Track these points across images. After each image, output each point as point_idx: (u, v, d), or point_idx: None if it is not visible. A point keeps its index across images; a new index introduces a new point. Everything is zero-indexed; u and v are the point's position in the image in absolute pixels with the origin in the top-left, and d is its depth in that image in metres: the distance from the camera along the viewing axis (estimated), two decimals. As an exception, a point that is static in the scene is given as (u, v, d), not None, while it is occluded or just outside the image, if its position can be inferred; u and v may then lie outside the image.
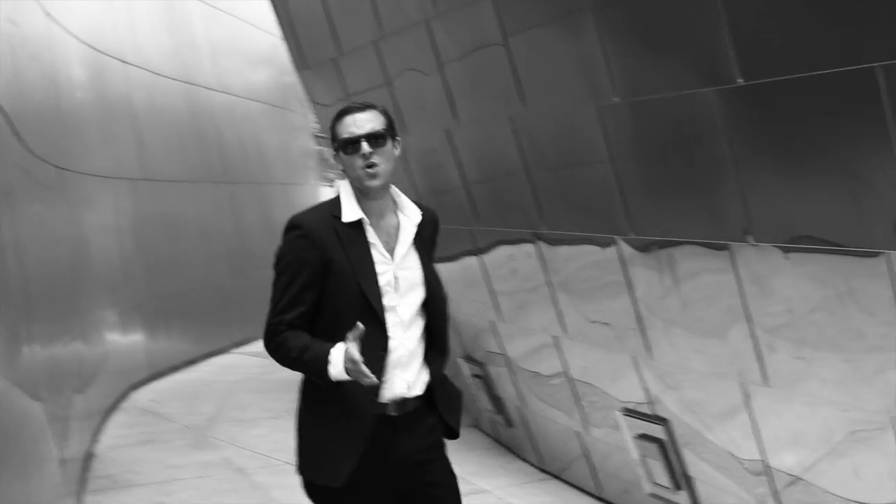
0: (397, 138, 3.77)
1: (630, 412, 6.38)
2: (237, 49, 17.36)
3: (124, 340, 11.74)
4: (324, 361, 3.56)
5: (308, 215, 3.74)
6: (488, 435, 9.12)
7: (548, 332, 7.07)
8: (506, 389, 8.18)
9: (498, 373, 8.21)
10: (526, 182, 6.73)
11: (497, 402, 8.48)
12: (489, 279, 7.73)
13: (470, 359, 8.73)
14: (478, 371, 8.61)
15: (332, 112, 3.81)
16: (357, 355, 3.45)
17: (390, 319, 3.72)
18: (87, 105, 11.36)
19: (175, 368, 13.07)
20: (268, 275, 3.79)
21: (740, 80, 4.64)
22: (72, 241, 9.54)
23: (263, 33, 17.29)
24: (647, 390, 6.15)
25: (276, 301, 3.69)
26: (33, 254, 7.20)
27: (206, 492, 7.63)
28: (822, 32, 4.25)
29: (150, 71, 13.87)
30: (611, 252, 6.03)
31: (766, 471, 5.31)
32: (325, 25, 8.92)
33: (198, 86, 15.62)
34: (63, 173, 9.47)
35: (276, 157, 18.61)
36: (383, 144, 3.69)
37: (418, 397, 3.78)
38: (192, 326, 13.75)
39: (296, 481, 3.79)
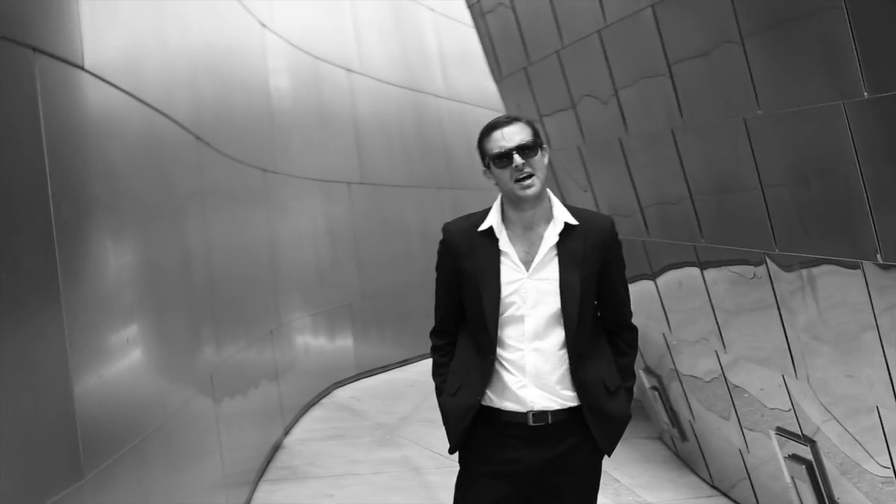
0: (545, 147, 3.88)
1: (781, 431, 6.25)
2: (469, 57, 17.63)
3: (331, 340, 12.13)
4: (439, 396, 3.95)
5: (455, 223, 3.98)
6: (668, 448, 9.04)
7: (710, 347, 6.98)
8: (679, 404, 8.10)
9: (673, 387, 8.13)
10: (688, 197, 6.68)
11: (673, 416, 8.40)
12: (661, 297, 7.68)
13: (649, 371, 8.67)
14: (655, 383, 8.55)
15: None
16: None
17: (511, 332, 3.81)
18: (304, 111, 11.83)
19: (386, 368, 13.42)
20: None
21: (866, 94, 4.51)
22: (281, 243, 9.95)
23: (497, 42, 17.52)
24: (796, 409, 6.00)
25: (435, 294, 4.04)
26: (230, 256, 7.56)
27: (376, 488, 7.87)
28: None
29: (374, 78, 14.29)
30: (761, 270, 5.92)
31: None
32: (516, 35, 9.04)
33: (426, 93, 15.97)
34: (273, 177, 9.89)
35: (507, 163, 18.75)
36: (533, 155, 3.80)
37: (564, 410, 3.80)
38: (408, 328, 14.05)
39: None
